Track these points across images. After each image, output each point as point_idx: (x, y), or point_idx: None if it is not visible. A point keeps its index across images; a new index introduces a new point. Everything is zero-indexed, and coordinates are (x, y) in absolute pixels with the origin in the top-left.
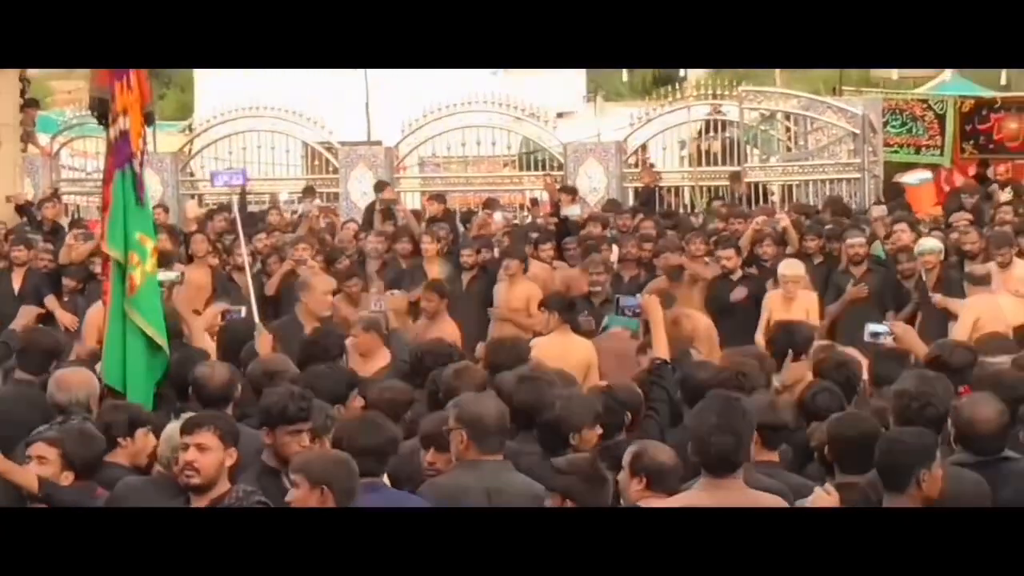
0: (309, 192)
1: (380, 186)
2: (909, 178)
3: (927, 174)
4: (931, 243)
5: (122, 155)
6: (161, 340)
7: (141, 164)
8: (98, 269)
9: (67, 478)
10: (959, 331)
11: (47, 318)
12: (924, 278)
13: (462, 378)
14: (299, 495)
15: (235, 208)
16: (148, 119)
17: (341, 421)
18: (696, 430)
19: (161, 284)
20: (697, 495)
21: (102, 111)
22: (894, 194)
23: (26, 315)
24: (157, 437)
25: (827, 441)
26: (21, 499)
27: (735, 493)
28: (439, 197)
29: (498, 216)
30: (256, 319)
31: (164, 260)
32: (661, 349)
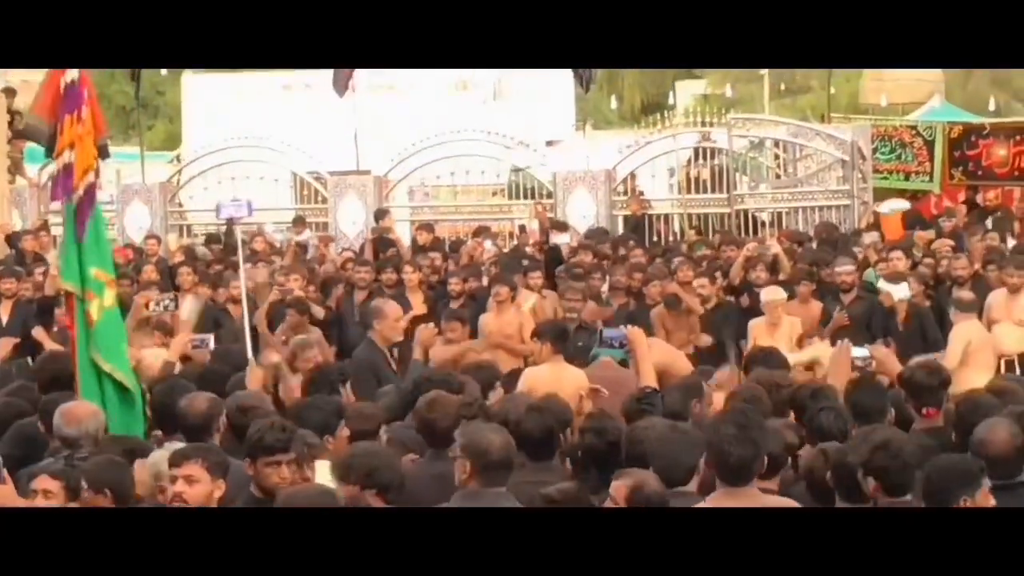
0: (299, 222)
1: (380, 214)
2: (882, 207)
3: (902, 203)
4: (900, 291)
5: (64, 189)
6: (121, 376)
7: (89, 199)
8: None
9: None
10: (950, 358)
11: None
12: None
13: (435, 409)
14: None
15: (238, 238)
16: (102, 152)
17: (352, 455)
18: (715, 440)
19: (158, 308)
20: (716, 504)
21: (51, 143)
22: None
23: (1, 347)
24: None
25: (831, 468)
26: None
27: (752, 501)
28: (428, 226)
29: (488, 244)
30: (249, 353)
31: (149, 291)
32: (648, 378)
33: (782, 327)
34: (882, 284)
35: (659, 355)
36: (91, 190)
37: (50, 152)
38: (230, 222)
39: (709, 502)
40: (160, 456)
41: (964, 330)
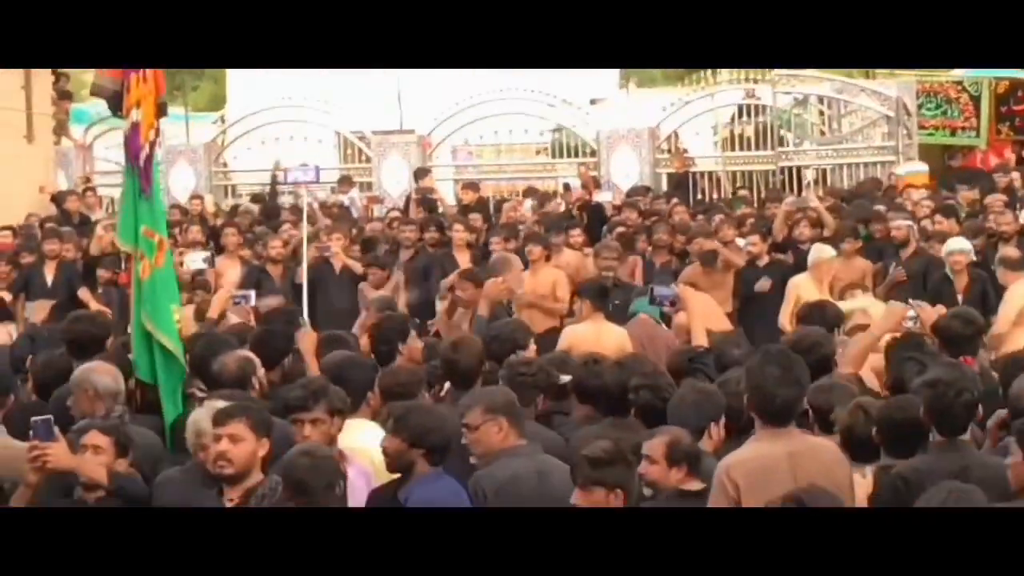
0: (345, 181)
1: (420, 173)
2: (899, 169)
3: (920, 165)
4: (959, 243)
5: (133, 147)
6: (163, 337)
7: (151, 156)
8: None
9: (121, 465)
10: (1002, 321)
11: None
12: (952, 278)
13: (459, 350)
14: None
15: (304, 200)
16: (161, 110)
17: (407, 410)
18: (758, 383)
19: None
20: (760, 446)
21: (116, 102)
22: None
23: (39, 310)
24: None
25: (876, 423)
26: (67, 492)
27: (795, 440)
28: (473, 185)
29: (527, 204)
30: (305, 315)
31: (194, 250)
32: (700, 337)
33: (827, 286)
34: (950, 241)
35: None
36: (154, 148)
37: (115, 111)
38: (273, 183)
39: (755, 444)
40: (201, 414)
41: (1015, 294)
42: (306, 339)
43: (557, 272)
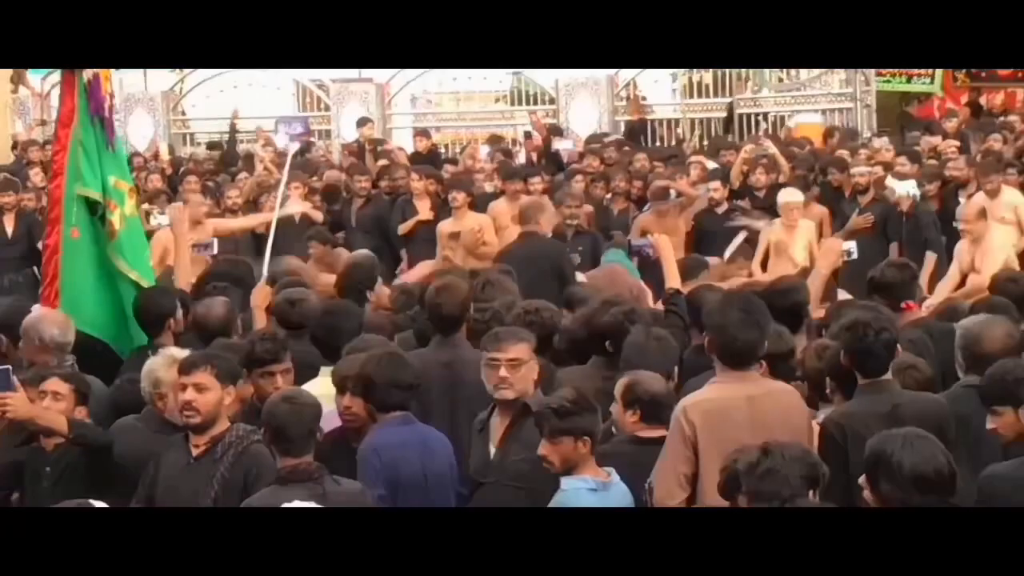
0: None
1: (361, 122)
2: (790, 121)
3: (815, 117)
4: (906, 187)
5: (95, 100)
6: (147, 284)
7: (111, 109)
8: None
9: (81, 413)
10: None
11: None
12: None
13: (442, 295)
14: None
15: (290, 151)
16: None
17: (350, 363)
18: (720, 325)
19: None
20: (720, 387)
21: None
22: (898, 125)
23: None
24: None
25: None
26: (27, 441)
27: (754, 383)
28: (425, 133)
29: (483, 151)
30: (265, 269)
31: (155, 199)
32: (673, 279)
33: (799, 229)
34: (889, 181)
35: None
36: (113, 99)
37: None
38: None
39: (715, 386)
40: (157, 363)
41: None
42: (259, 294)
43: (483, 217)
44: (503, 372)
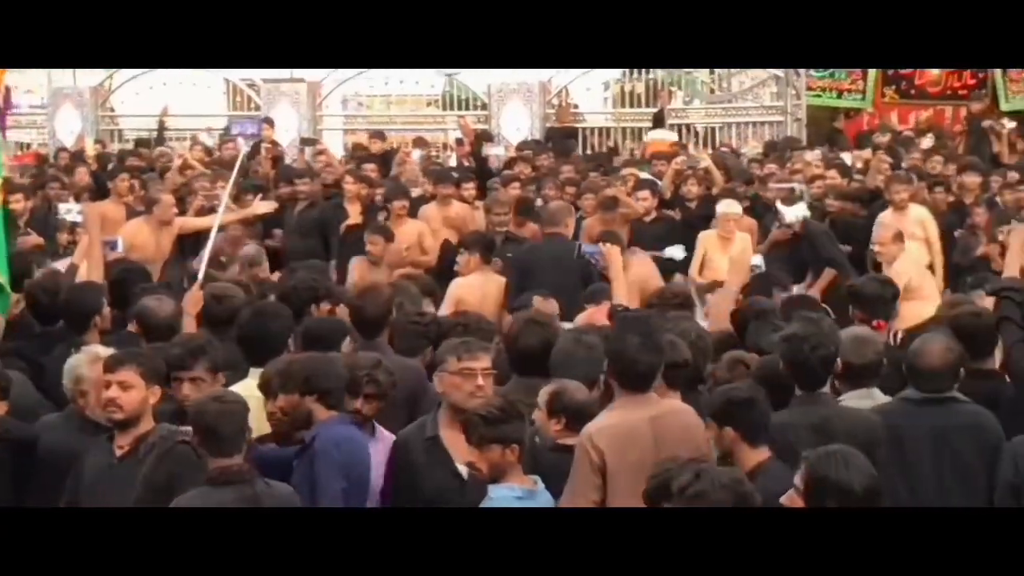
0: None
1: (269, 122)
2: (647, 136)
3: (668, 134)
4: (795, 211)
5: None
6: (3, 277)
7: (8, 99)
8: None
9: (2, 408)
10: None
11: None
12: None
13: (365, 297)
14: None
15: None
16: None
17: (289, 363)
18: (620, 350)
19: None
20: (622, 412)
21: None
22: (829, 138)
23: None
24: None
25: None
26: None
27: (654, 405)
28: (380, 134)
29: (416, 155)
30: (201, 274)
31: (82, 194)
32: (621, 295)
33: (735, 241)
34: (779, 206)
35: (638, 271)
36: (8, 94)
37: None
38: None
39: (614, 410)
40: (80, 360)
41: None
42: (192, 299)
43: (421, 224)
44: (481, 381)
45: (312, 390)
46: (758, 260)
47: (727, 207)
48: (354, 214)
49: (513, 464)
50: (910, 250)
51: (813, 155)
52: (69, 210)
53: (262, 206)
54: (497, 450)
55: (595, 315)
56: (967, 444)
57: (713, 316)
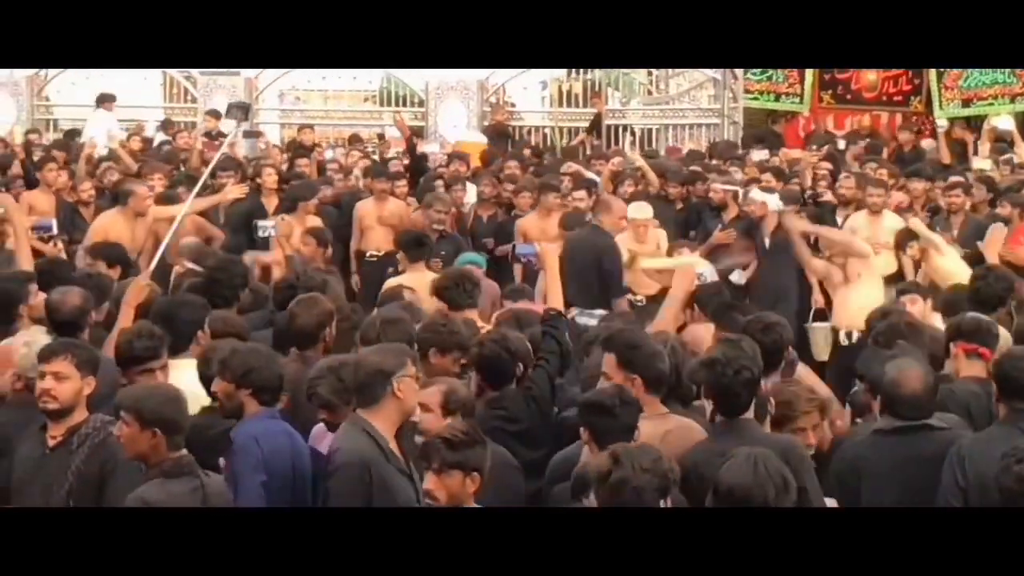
0: (168, 125)
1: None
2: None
3: (479, 136)
4: (761, 196)
5: None
6: None
7: None
8: None
9: None
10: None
11: None
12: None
13: (299, 308)
14: (127, 433)
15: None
16: None
17: (232, 352)
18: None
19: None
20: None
21: None
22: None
23: None
24: None
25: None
26: None
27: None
28: (311, 128)
29: (329, 154)
30: (153, 265)
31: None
32: (555, 299)
33: (648, 243)
34: (754, 193)
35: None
36: None
37: None
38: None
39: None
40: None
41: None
42: (134, 289)
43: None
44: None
45: (248, 384)
46: (705, 269)
47: (636, 211)
48: (271, 207)
49: (469, 497)
50: (879, 260)
51: (761, 154)
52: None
53: (234, 190)
54: (458, 477)
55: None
56: (934, 476)
57: (657, 324)
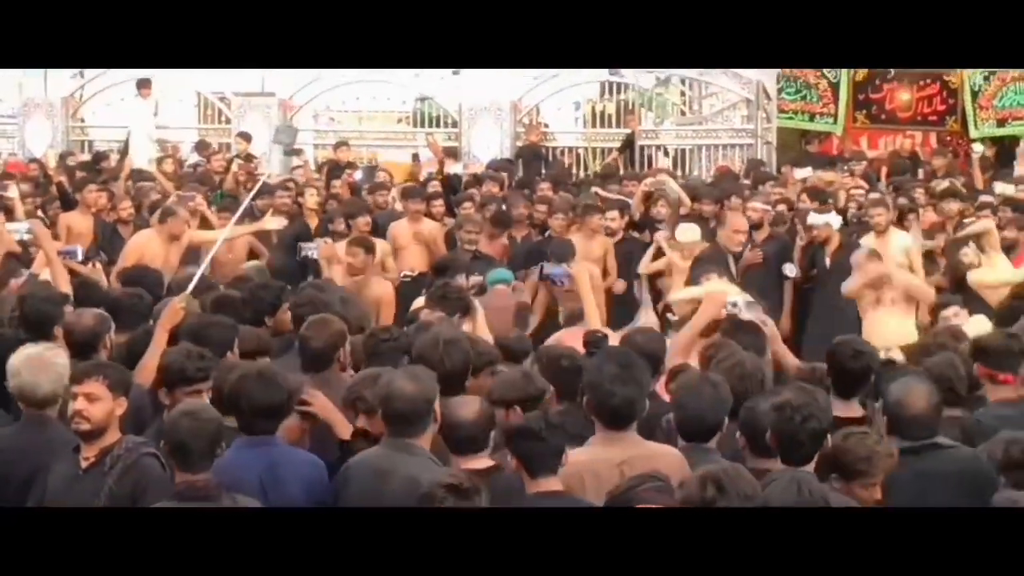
0: (203, 146)
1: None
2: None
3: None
4: (824, 218)
5: None
6: None
7: None
8: None
9: None
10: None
11: None
12: (823, 252)
13: (311, 329)
14: None
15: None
16: None
17: (239, 375)
18: (595, 382)
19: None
20: (594, 450)
21: None
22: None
23: None
24: None
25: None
26: None
27: (631, 447)
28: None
29: (359, 175)
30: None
31: (51, 205)
32: (594, 320)
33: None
34: (813, 218)
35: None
36: None
37: None
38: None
39: (589, 448)
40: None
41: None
42: (169, 312)
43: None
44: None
45: (232, 411)
46: (737, 300)
47: (683, 234)
48: (314, 227)
49: None
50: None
51: (803, 172)
52: (17, 229)
53: (272, 221)
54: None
55: (566, 339)
56: (952, 495)
57: (672, 349)
